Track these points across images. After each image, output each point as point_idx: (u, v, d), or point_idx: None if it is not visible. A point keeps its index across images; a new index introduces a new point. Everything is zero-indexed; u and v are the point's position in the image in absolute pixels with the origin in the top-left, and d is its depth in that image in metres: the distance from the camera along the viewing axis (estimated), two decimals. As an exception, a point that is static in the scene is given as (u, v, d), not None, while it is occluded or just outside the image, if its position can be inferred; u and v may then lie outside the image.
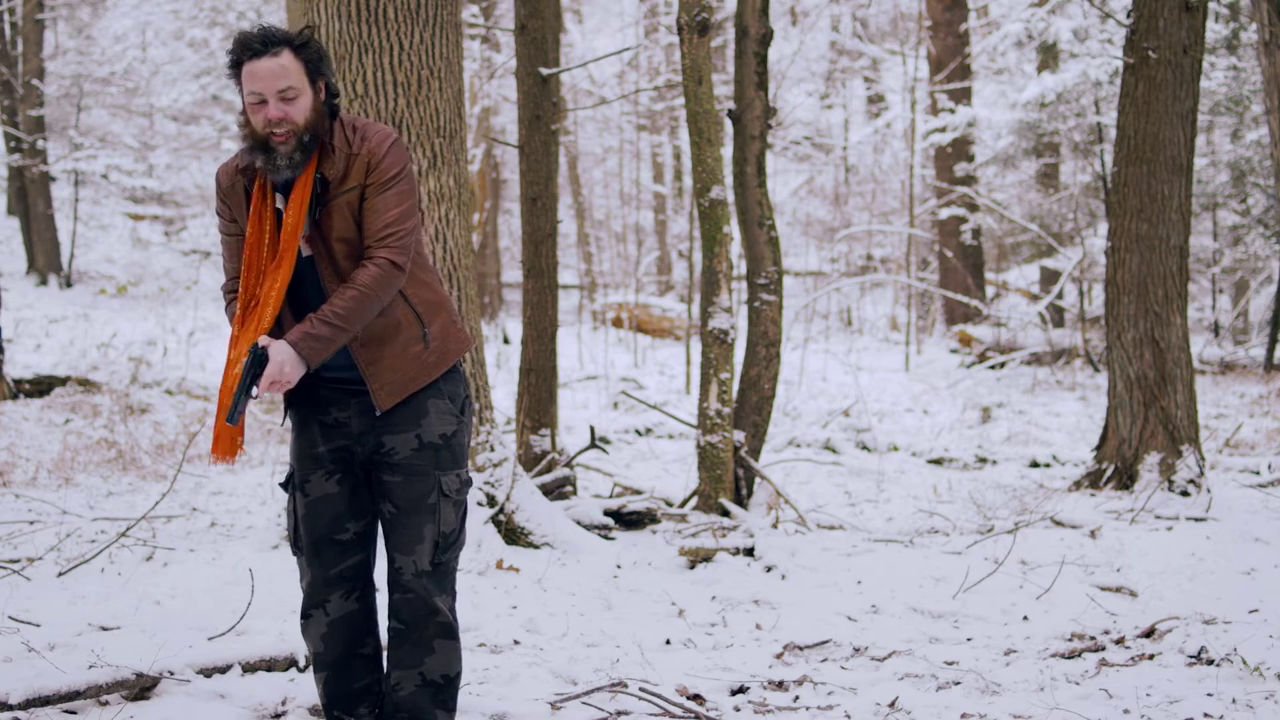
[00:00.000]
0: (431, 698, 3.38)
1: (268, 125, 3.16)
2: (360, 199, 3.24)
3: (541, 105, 8.02)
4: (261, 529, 6.23)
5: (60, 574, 5.45)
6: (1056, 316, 18.58)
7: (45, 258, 19.28)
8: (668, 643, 4.92)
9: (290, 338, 3.12)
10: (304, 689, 4.05)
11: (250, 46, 3.15)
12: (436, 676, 3.37)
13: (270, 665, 4.32)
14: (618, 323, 19.84)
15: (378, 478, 3.36)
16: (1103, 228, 16.86)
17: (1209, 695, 4.08)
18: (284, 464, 8.63)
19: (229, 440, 3.21)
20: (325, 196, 3.23)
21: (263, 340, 3.10)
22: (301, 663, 4.36)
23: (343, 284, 3.21)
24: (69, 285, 19.33)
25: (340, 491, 3.35)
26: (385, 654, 3.47)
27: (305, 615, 3.41)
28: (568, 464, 7.79)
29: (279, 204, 3.26)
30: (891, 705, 4.12)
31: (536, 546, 6.24)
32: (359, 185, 3.24)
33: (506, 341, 16.94)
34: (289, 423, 3.45)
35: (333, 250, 3.25)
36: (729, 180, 8.36)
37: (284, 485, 3.43)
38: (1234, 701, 4.01)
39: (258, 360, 3.07)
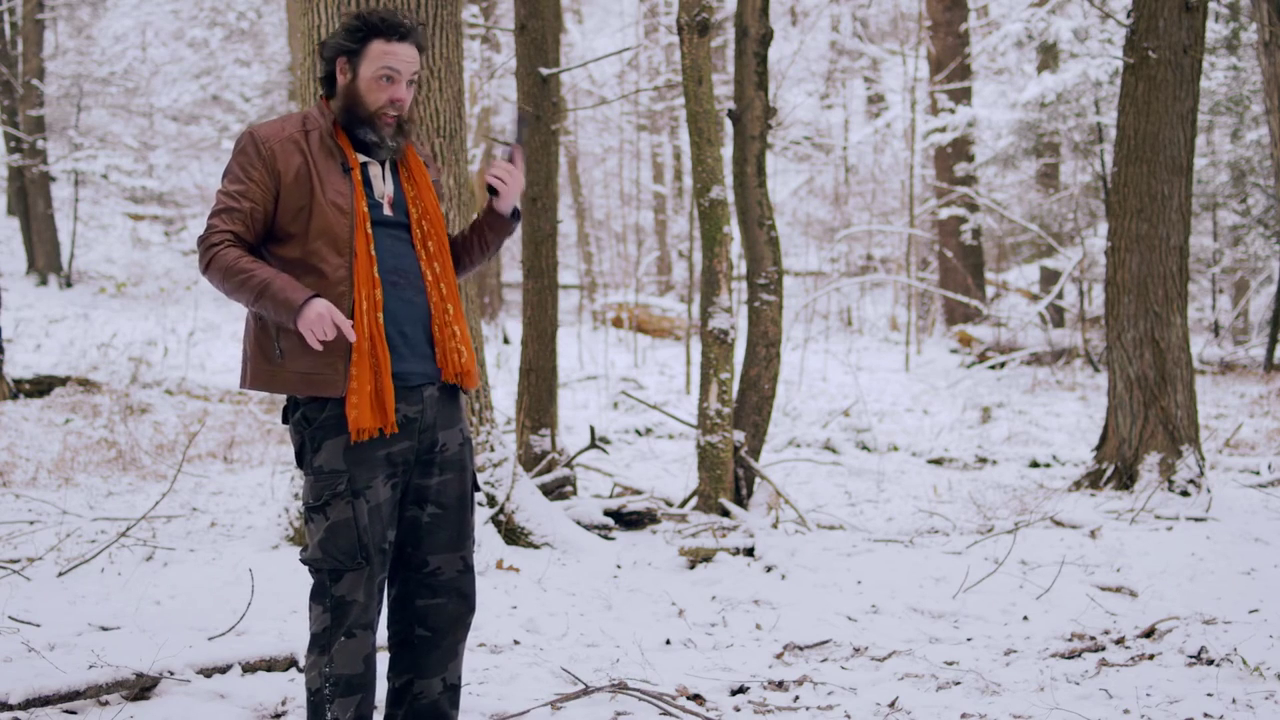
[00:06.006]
0: (449, 700, 3.36)
1: (388, 105, 3.22)
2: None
3: (541, 105, 8.02)
4: (261, 529, 6.22)
5: (60, 574, 5.45)
6: (1056, 316, 18.58)
7: (45, 258, 19.27)
8: (668, 643, 4.92)
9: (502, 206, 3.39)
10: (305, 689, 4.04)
11: (396, 28, 3.20)
12: (455, 679, 3.36)
13: (270, 665, 4.31)
14: (618, 323, 19.83)
15: (415, 482, 3.25)
16: (1103, 228, 16.86)
17: (1209, 695, 4.08)
18: (285, 464, 8.61)
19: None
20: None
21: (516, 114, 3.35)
22: (302, 663, 4.33)
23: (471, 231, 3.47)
24: (69, 285, 19.32)
25: (392, 498, 3.18)
26: (393, 662, 3.36)
27: (349, 634, 3.13)
28: (568, 464, 7.79)
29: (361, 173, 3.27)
30: (891, 705, 4.12)
31: (536, 546, 6.25)
32: (437, 176, 3.51)
33: (506, 341, 16.94)
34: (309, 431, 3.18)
35: (410, 223, 3.32)
36: (729, 180, 8.36)
37: (322, 505, 3.12)
38: (1234, 701, 4.01)
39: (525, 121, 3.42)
